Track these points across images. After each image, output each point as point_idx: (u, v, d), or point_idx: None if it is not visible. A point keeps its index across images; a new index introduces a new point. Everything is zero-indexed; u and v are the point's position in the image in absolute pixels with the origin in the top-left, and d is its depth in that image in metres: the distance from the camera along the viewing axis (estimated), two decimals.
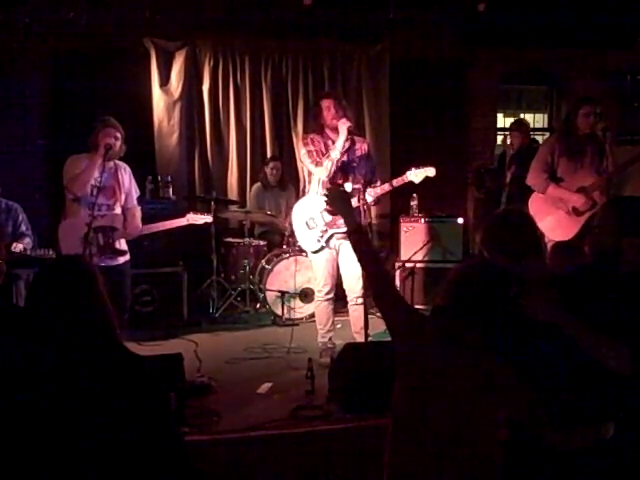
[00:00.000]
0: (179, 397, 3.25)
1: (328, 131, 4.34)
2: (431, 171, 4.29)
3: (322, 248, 4.35)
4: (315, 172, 4.34)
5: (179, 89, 6.33)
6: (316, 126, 4.45)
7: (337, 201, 2.46)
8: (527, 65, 7.13)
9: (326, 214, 4.31)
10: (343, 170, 4.30)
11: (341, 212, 2.45)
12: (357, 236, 2.32)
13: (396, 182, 4.31)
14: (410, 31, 6.60)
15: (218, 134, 6.50)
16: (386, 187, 4.31)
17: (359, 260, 2.32)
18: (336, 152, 4.20)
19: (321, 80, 6.57)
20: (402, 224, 5.99)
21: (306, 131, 6.43)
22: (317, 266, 4.44)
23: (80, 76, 6.20)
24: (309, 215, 4.40)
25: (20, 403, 1.71)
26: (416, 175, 4.28)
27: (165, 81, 6.32)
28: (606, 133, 4.27)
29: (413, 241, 5.94)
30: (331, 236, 4.35)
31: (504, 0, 6.22)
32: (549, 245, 3.98)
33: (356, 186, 4.24)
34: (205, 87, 6.42)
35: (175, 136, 6.35)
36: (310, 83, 6.55)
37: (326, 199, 2.50)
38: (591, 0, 6.24)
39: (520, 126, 6.30)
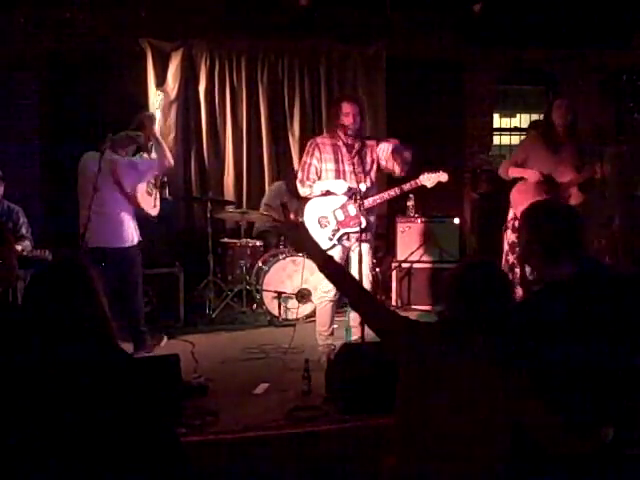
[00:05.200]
0: (176, 398, 3.26)
1: (340, 132, 4.32)
2: (444, 176, 4.28)
3: (334, 246, 4.32)
4: (298, 188, 4.38)
5: (175, 89, 6.33)
6: (330, 124, 4.42)
7: (296, 238, 2.30)
8: (524, 65, 7.15)
9: (339, 213, 4.29)
10: (357, 172, 4.31)
11: (304, 249, 2.29)
12: (328, 267, 2.24)
13: (408, 186, 4.30)
14: (407, 31, 6.61)
15: (214, 135, 6.50)
16: (397, 191, 4.31)
17: (338, 289, 2.25)
18: (317, 190, 4.27)
19: (317, 80, 6.58)
20: (398, 224, 6.00)
21: (304, 130, 6.48)
22: None
23: (76, 76, 6.20)
24: (321, 213, 4.35)
25: (15, 403, 1.71)
26: (429, 179, 4.27)
27: (161, 81, 6.32)
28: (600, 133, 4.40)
29: (409, 241, 5.95)
30: (342, 235, 4.33)
31: (501, 1, 6.24)
32: None
33: (369, 185, 4.27)
34: (201, 87, 6.42)
35: (171, 137, 6.34)
36: (306, 84, 6.56)
37: (284, 237, 2.34)
38: (587, 0, 6.26)
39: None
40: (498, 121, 7.68)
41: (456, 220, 6.03)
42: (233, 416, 3.35)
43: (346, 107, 4.22)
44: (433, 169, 4.28)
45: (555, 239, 2.16)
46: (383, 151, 4.27)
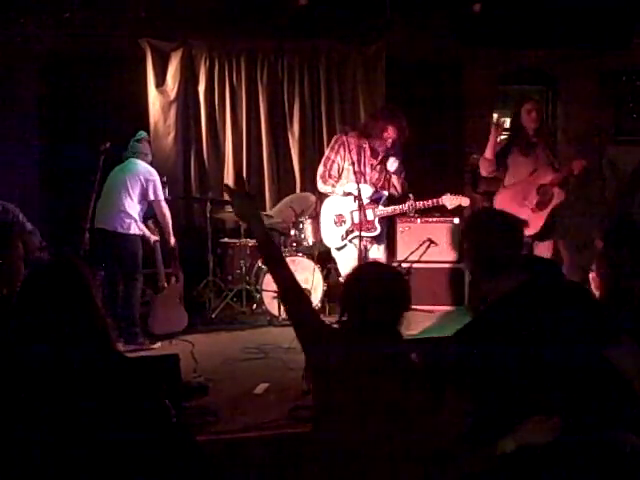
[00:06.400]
0: (174, 402, 3.25)
1: (371, 139, 4.31)
2: (465, 201, 4.48)
3: (345, 246, 4.34)
4: (318, 183, 4.47)
5: (175, 90, 6.33)
6: (369, 125, 4.40)
7: (243, 207, 2.23)
8: (524, 65, 7.14)
9: (357, 215, 4.30)
10: (377, 177, 4.36)
11: (247, 220, 2.25)
12: (267, 247, 2.19)
13: (429, 203, 4.50)
14: (407, 31, 6.60)
15: (214, 135, 6.50)
16: (419, 205, 4.51)
17: (271, 273, 2.18)
18: (339, 191, 4.35)
19: (317, 80, 6.57)
20: (398, 224, 5.99)
21: (304, 130, 6.47)
22: (343, 264, 4.43)
23: (76, 76, 6.20)
24: (339, 211, 4.40)
25: (14, 407, 1.71)
26: (450, 200, 4.44)
27: (161, 82, 6.32)
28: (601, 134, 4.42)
29: (409, 241, 5.94)
30: (355, 237, 4.34)
31: (501, 1, 6.24)
32: None
33: (389, 192, 4.44)
34: (201, 88, 6.42)
35: (171, 137, 6.35)
36: (306, 84, 6.55)
37: (231, 203, 2.28)
38: (588, 1, 6.26)
39: None
40: None
41: (456, 220, 6.03)
42: (233, 416, 3.35)
43: (391, 132, 4.24)
44: (456, 192, 4.49)
45: (490, 254, 2.08)
46: (391, 165, 4.32)
